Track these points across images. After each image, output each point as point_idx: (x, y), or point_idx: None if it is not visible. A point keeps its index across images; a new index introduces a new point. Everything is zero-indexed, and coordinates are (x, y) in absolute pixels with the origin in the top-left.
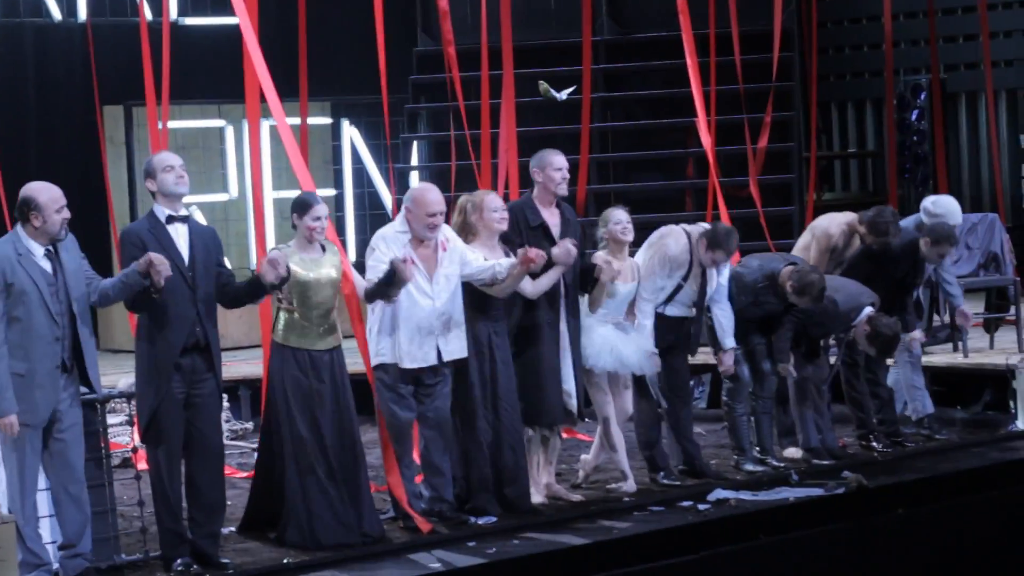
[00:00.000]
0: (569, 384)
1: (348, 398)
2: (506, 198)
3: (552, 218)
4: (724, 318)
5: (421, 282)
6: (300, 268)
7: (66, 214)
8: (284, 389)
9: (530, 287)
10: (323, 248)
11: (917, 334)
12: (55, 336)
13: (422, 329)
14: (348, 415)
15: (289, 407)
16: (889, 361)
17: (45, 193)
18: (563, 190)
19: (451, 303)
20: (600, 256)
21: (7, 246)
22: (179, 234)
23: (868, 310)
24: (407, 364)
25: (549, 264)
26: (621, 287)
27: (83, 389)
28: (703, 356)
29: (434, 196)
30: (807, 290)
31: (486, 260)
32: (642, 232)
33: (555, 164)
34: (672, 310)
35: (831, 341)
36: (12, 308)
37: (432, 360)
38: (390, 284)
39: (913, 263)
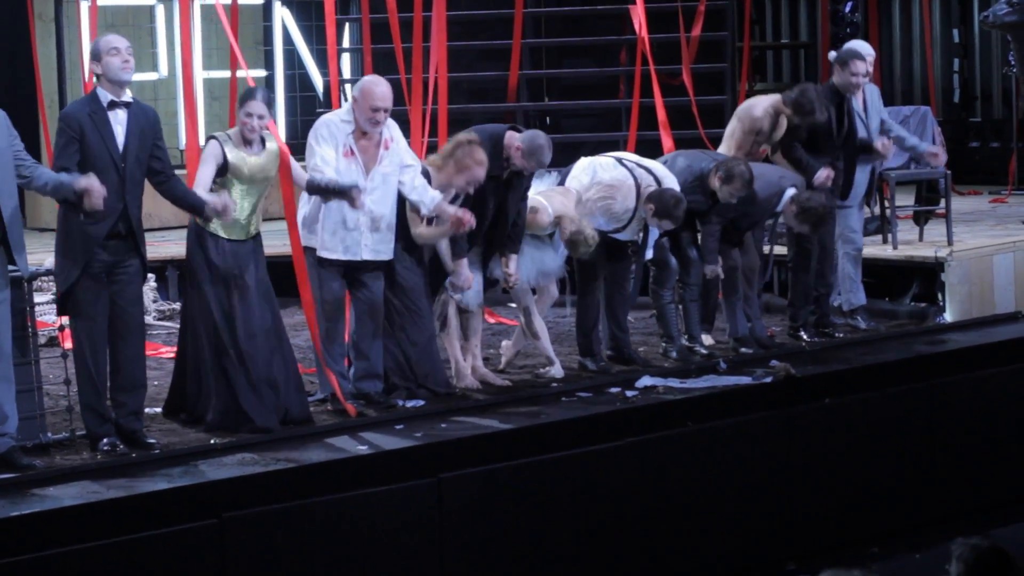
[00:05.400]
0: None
1: (267, 282)
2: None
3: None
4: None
5: (357, 176)
6: (237, 160)
7: None
8: (204, 272)
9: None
10: (263, 142)
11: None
12: None
13: (347, 222)
14: (268, 298)
15: (206, 291)
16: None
17: None
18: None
19: (384, 203)
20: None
21: None
22: (118, 121)
23: (791, 191)
24: (324, 254)
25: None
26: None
27: (10, 268)
28: None
29: (381, 91)
30: (734, 179)
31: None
32: (575, 119)
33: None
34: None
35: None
36: None
37: (354, 255)
38: (335, 195)
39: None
